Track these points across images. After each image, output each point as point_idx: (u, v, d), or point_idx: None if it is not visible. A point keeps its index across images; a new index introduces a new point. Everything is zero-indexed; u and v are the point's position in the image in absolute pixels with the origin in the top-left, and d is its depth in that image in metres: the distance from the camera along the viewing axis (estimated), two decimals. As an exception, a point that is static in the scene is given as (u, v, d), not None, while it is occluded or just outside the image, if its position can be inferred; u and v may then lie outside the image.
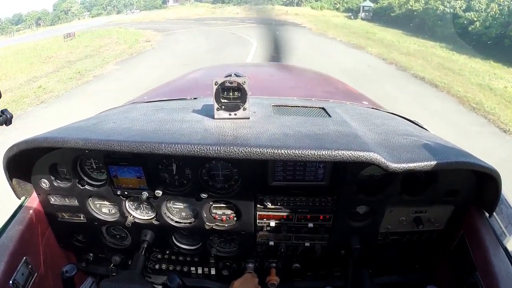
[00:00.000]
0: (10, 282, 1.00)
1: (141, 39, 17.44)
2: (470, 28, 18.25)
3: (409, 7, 24.66)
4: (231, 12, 37.87)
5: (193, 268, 1.40)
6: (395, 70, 9.90)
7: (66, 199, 1.24)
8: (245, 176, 1.14)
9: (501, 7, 17.62)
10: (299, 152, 0.87)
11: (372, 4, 30.51)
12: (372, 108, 1.61)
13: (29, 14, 65.38)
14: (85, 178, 1.20)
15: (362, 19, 29.38)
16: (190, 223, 1.25)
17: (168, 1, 61.78)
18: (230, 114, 1.10)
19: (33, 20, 62.63)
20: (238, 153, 0.88)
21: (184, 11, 42.85)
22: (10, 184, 1.15)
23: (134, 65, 11.23)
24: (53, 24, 58.45)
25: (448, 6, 20.69)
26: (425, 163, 0.91)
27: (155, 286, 1.37)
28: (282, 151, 0.87)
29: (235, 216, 1.23)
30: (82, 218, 1.28)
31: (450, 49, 14.96)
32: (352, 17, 31.10)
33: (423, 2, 23.65)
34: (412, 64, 10.34)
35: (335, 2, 38.71)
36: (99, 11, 66.11)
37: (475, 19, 18.53)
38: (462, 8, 19.93)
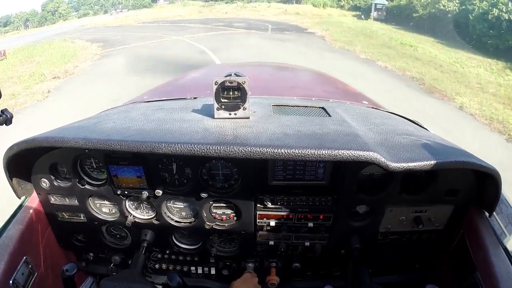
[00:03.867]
0: (10, 281, 1.00)
1: (54, 72, 10.42)
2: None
3: (441, 7, 18.57)
4: (219, 11, 33.39)
5: (193, 268, 1.40)
6: None
7: (66, 198, 1.24)
8: (245, 176, 1.13)
9: None
10: (299, 151, 0.87)
11: (386, 2, 24.97)
12: (372, 107, 1.61)
13: (17, 15, 62.32)
14: (85, 178, 1.20)
15: (374, 19, 24.35)
16: (190, 222, 1.25)
17: (157, 0, 59.53)
18: (230, 114, 1.10)
19: (21, 22, 59.78)
20: (238, 152, 0.88)
21: (168, 11, 38.50)
22: (10, 184, 1.15)
23: None
24: (40, 26, 56.40)
25: (504, 9, 13.58)
26: (425, 162, 0.91)
27: (155, 285, 1.37)
28: (282, 150, 0.87)
29: (235, 216, 1.23)
30: (82, 217, 1.28)
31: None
32: (362, 16, 25.86)
33: (457, 1, 17.82)
34: None
35: (338, -1, 33.70)
36: (86, 11, 63.65)
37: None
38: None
